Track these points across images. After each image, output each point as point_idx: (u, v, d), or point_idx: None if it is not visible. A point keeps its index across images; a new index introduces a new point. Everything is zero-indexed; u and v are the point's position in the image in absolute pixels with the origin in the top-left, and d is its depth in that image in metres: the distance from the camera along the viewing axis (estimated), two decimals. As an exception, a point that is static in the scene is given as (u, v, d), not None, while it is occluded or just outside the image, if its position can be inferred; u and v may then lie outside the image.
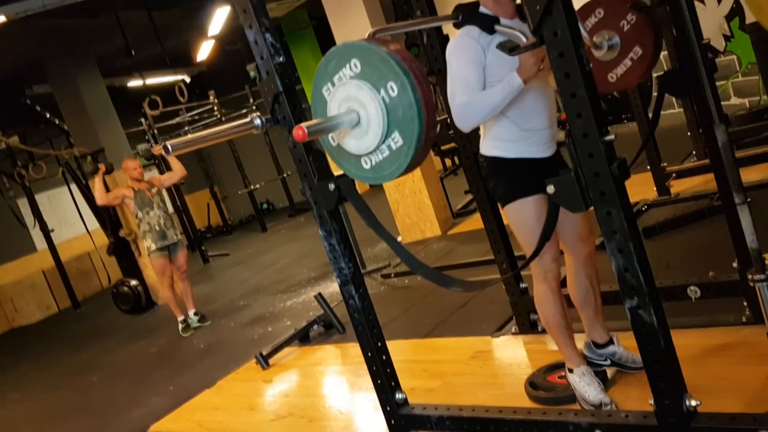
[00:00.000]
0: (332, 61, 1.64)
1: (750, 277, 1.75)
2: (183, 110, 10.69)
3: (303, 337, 4.29)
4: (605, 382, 2.38)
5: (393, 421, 2.20)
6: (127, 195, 5.55)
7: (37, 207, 8.57)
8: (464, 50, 2.09)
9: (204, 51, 9.80)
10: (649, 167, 4.64)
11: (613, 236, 1.57)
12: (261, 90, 1.99)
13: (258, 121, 1.93)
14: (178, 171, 5.76)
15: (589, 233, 2.35)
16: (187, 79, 10.65)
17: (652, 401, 1.66)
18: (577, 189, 1.57)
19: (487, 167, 2.29)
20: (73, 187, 8.21)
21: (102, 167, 6.04)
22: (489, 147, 2.25)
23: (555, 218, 1.73)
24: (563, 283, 2.39)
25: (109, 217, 7.41)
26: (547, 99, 2.21)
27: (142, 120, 9.17)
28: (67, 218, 10.45)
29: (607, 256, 1.61)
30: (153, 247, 5.48)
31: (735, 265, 2.42)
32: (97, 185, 5.72)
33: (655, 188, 4.70)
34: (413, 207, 6.20)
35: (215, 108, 10.39)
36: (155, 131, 9.05)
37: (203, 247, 9.97)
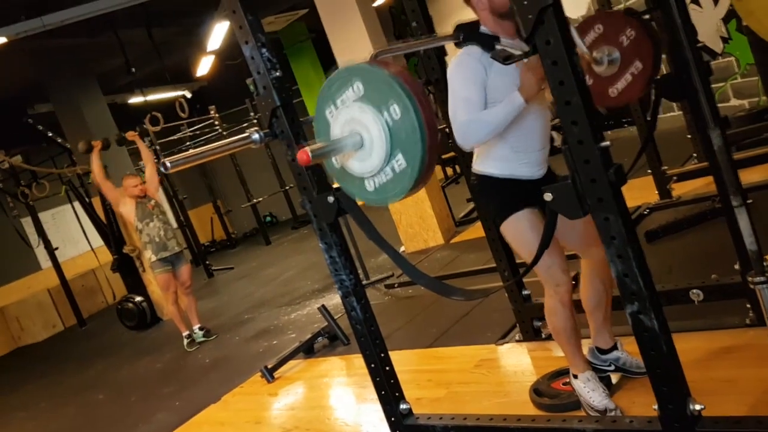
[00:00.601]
0: (335, 83, 1.65)
1: (750, 279, 1.75)
2: (184, 125, 10.74)
3: (308, 350, 4.29)
4: (610, 388, 2.38)
5: (398, 432, 2.20)
6: (127, 202, 5.52)
7: (41, 226, 8.59)
8: (466, 69, 2.11)
9: (204, 66, 9.85)
10: (650, 171, 4.64)
11: (612, 242, 1.57)
12: (258, 105, 2.01)
13: (256, 136, 1.95)
14: (148, 160, 5.71)
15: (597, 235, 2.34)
16: (188, 95, 10.70)
17: (656, 406, 1.65)
18: (574, 196, 1.58)
19: (479, 184, 2.30)
20: (77, 204, 8.24)
21: (97, 144, 5.93)
22: (481, 164, 2.26)
23: (553, 226, 1.73)
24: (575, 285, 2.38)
25: (112, 234, 7.44)
26: (543, 120, 2.22)
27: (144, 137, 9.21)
28: (71, 236, 10.48)
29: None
30: (153, 258, 5.48)
31: (737, 267, 2.42)
32: (94, 163, 5.69)
33: (656, 192, 4.70)
34: (415, 217, 6.21)
35: (216, 122, 10.44)
36: (157, 147, 9.08)
37: (207, 262, 9.98)
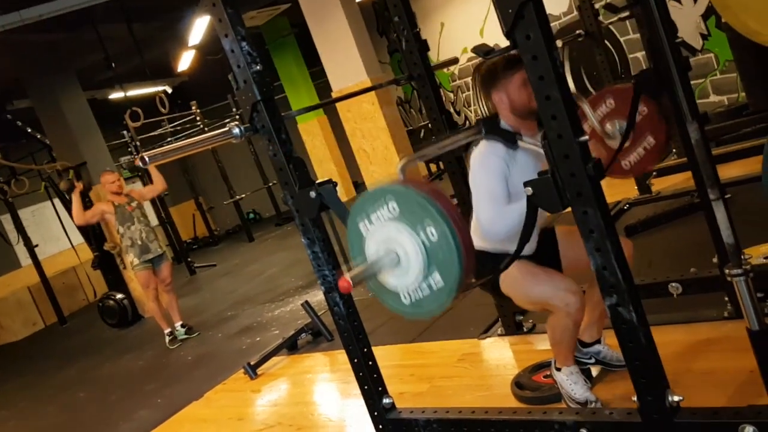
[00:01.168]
0: (369, 200, 1.66)
1: (727, 272, 1.77)
2: (165, 121, 10.66)
3: (291, 346, 4.28)
4: (590, 380, 2.40)
5: (381, 426, 2.20)
6: (107, 210, 5.49)
7: (21, 222, 8.49)
8: (491, 166, 2.15)
9: (185, 61, 9.78)
10: (630, 166, 4.67)
11: (590, 235, 1.58)
12: (239, 99, 2.00)
13: (236, 130, 1.94)
14: (159, 184, 5.73)
15: None
16: (169, 90, 10.61)
17: (635, 398, 1.67)
18: (554, 190, 1.59)
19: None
20: (57, 201, 8.16)
21: (79, 185, 5.94)
22: (475, 241, 2.25)
23: (534, 220, 1.74)
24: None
25: (93, 231, 7.36)
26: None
27: (125, 132, 9.14)
28: (51, 233, 10.37)
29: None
30: (136, 261, 5.46)
31: (715, 260, 2.45)
32: (74, 204, 5.61)
33: (636, 187, 4.75)
34: (399, 212, 6.21)
35: (198, 118, 10.36)
36: (138, 143, 9.01)
37: (189, 259, 9.92)
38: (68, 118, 7.70)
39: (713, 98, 7.39)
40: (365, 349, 2.17)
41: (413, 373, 3.26)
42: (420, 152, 1.97)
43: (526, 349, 3.00)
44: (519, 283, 2.22)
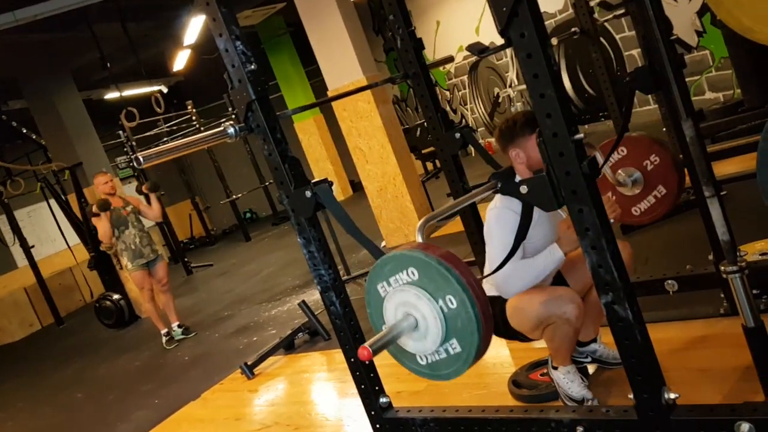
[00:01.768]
0: (388, 264, 1.67)
1: (723, 269, 1.77)
2: (161, 121, 10.64)
3: (288, 346, 4.28)
4: (586, 378, 2.40)
5: (378, 425, 2.20)
6: (104, 216, 5.43)
7: (17, 223, 8.47)
8: (505, 222, 2.16)
9: (180, 61, 9.77)
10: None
11: (586, 233, 1.58)
12: (234, 98, 1.99)
13: (231, 130, 1.94)
14: (155, 211, 5.65)
15: None
16: (165, 90, 10.60)
17: (631, 395, 1.67)
18: (549, 188, 1.59)
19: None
20: (53, 202, 8.13)
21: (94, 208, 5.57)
22: (487, 289, 2.27)
23: (529, 218, 1.75)
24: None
25: (89, 232, 7.35)
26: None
27: (120, 132, 9.12)
28: (47, 234, 10.35)
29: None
30: (130, 265, 5.46)
31: (711, 258, 2.45)
32: (103, 226, 5.43)
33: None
34: (396, 212, 6.21)
35: (194, 117, 10.34)
36: (133, 143, 8.99)
37: (186, 259, 9.90)
38: (64, 119, 7.69)
39: (708, 95, 7.40)
40: (362, 349, 2.16)
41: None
42: (437, 212, 1.97)
43: (522, 347, 2.99)
44: (519, 309, 2.22)
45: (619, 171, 2.56)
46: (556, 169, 1.57)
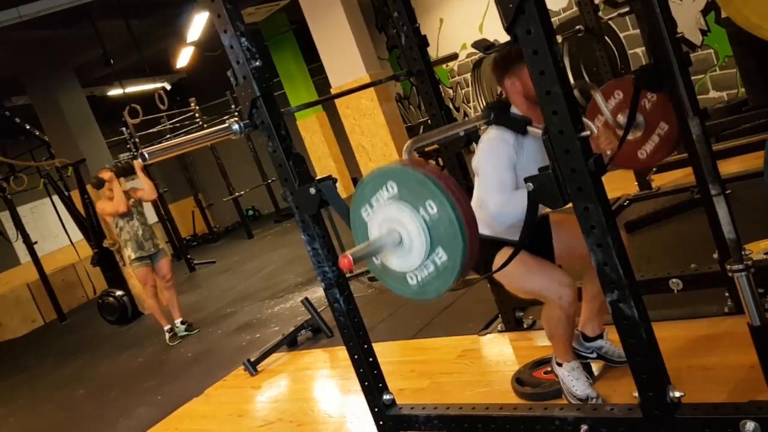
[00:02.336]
0: (368, 184, 1.65)
1: (728, 268, 1.76)
2: (164, 118, 10.64)
3: (291, 343, 4.28)
4: (591, 376, 2.40)
5: (381, 422, 2.20)
6: (107, 205, 5.46)
7: (20, 219, 8.48)
8: (499, 154, 2.14)
9: (184, 58, 9.76)
10: (630, 162, 4.67)
11: (591, 231, 1.58)
12: (238, 95, 1.99)
13: (236, 126, 1.93)
14: (147, 190, 5.62)
15: None
16: (168, 87, 10.60)
17: (636, 394, 1.67)
18: (554, 185, 1.58)
19: None
20: (56, 198, 8.14)
21: (106, 174, 5.54)
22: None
23: (534, 215, 1.74)
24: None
25: (92, 228, 7.36)
26: None
27: (123, 129, 9.13)
28: (50, 230, 10.36)
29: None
30: (133, 256, 5.46)
31: (715, 256, 2.44)
32: (117, 193, 5.42)
33: (636, 183, 4.74)
34: (398, 209, 6.20)
35: (197, 115, 10.34)
36: (137, 140, 9.00)
37: (189, 256, 9.91)
38: (67, 115, 7.69)
39: (713, 94, 7.38)
40: (365, 346, 2.16)
41: (413, 369, 3.25)
42: (426, 134, 1.95)
43: (526, 345, 3.00)
44: (512, 273, 2.20)
45: (619, 115, 2.49)
46: (562, 166, 1.56)
